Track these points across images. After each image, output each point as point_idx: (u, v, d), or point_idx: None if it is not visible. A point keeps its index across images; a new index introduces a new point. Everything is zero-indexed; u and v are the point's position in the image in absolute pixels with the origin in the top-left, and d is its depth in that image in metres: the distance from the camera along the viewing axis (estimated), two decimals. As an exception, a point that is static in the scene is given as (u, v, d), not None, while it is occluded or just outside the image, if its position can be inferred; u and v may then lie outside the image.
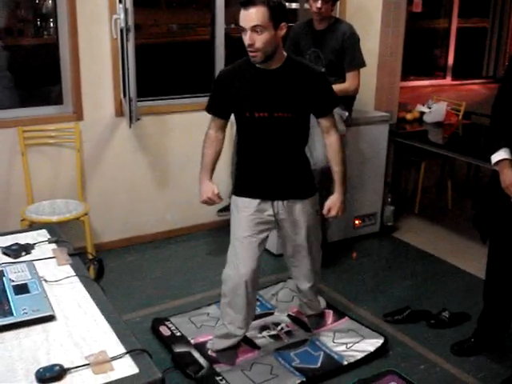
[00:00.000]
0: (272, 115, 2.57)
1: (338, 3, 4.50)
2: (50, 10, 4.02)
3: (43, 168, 3.86)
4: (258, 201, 2.71)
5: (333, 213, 2.75)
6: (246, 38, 2.42)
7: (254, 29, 2.38)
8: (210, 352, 2.95)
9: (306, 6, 3.81)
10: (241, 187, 2.80)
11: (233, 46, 4.53)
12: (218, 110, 2.74)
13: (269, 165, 2.69)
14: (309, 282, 3.00)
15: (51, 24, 4.10)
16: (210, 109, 2.77)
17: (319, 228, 3.04)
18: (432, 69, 6.22)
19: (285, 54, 2.58)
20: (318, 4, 3.67)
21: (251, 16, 2.37)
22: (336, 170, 2.74)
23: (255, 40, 2.40)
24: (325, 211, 2.77)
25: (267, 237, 2.80)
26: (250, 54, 2.47)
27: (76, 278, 1.97)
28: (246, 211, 2.73)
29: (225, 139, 2.85)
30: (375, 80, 4.57)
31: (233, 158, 4.08)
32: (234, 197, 2.83)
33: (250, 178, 2.76)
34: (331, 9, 3.77)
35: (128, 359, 1.51)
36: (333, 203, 2.75)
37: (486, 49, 6.44)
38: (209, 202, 2.80)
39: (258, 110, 2.58)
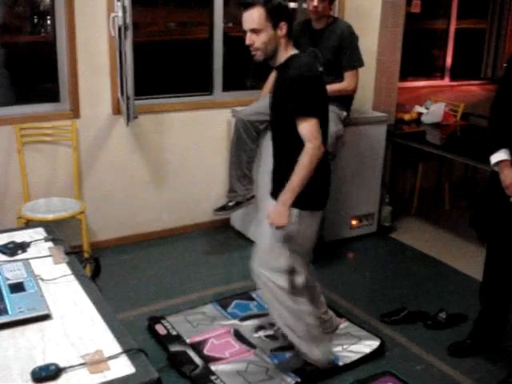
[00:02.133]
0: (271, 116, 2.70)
1: (337, 2, 4.51)
2: (48, 7, 4.00)
3: (40, 166, 3.84)
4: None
5: (270, 220, 2.59)
6: (246, 39, 2.52)
7: (252, 30, 2.49)
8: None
9: (305, 5, 3.81)
10: None
11: (231, 44, 4.52)
12: None
13: (274, 163, 2.78)
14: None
15: (49, 21, 4.08)
16: None
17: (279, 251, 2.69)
18: (430, 69, 6.22)
19: (292, 52, 2.58)
20: (315, 2, 3.67)
21: (249, 18, 2.48)
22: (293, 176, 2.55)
23: (254, 40, 2.50)
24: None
25: None
26: (252, 53, 2.55)
27: (72, 276, 1.96)
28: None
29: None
30: (373, 80, 4.57)
31: (230, 158, 4.08)
32: None
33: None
34: (329, 8, 3.77)
35: (124, 359, 1.50)
36: (268, 210, 2.61)
37: (485, 50, 6.45)
38: None
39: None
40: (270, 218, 2.58)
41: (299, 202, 2.56)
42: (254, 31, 2.48)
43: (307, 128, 2.48)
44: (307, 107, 2.50)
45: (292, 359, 2.92)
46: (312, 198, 2.66)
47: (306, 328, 2.76)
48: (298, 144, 2.52)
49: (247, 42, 2.52)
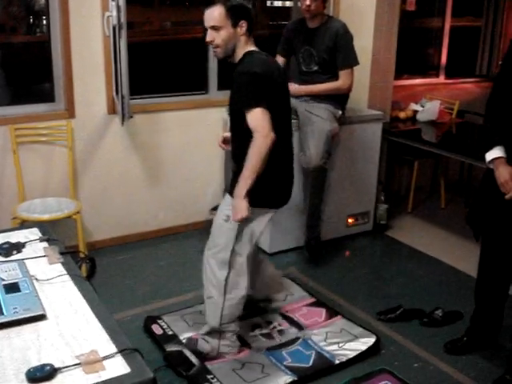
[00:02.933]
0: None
1: (331, 1, 4.51)
2: (43, 7, 3.99)
3: (35, 166, 3.83)
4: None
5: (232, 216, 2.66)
6: (207, 36, 2.64)
7: (212, 27, 2.61)
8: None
9: (300, 4, 3.80)
10: None
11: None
12: None
13: (231, 156, 2.86)
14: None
15: (43, 21, 4.07)
16: None
17: (224, 235, 2.77)
18: (425, 67, 6.23)
19: (247, 50, 2.67)
20: (307, 1, 3.67)
21: (210, 16, 2.61)
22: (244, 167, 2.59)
23: (214, 37, 2.62)
24: None
25: None
26: (212, 50, 2.70)
27: (67, 276, 1.96)
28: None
29: None
30: (368, 78, 4.57)
31: (226, 157, 4.08)
32: None
33: None
34: (323, 6, 3.76)
35: (119, 359, 1.50)
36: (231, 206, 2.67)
37: (480, 47, 6.46)
38: None
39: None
40: (232, 217, 2.65)
41: (251, 199, 2.59)
42: (214, 28, 2.60)
43: (252, 118, 2.54)
44: (251, 98, 2.55)
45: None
46: (262, 194, 2.67)
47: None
48: (247, 137, 2.56)
49: (207, 38, 2.64)
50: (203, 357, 2.88)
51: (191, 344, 2.95)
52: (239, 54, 2.67)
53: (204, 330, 2.93)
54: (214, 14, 2.59)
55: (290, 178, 2.84)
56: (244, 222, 2.68)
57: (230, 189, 2.76)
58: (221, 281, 2.77)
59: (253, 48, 2.69)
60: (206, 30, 2.64)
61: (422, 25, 6.14)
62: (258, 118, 2.53)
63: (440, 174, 5.38)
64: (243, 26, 2.61)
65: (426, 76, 6.12)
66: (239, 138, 2.71)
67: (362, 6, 4.53)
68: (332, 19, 3.90)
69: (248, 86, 2.56)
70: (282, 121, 2.70)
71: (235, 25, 2.60)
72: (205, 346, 2.90)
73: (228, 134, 2.93)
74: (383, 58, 4.56)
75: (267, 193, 2.71)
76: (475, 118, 5.28)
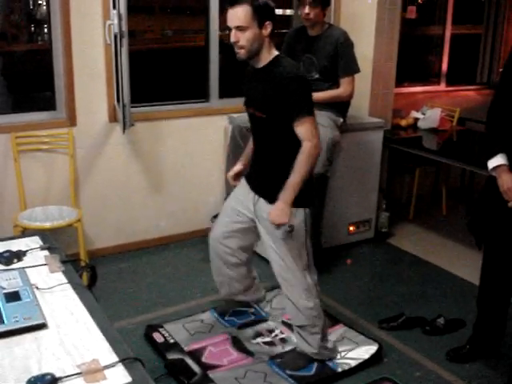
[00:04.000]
0: (254, 113, 2.70)
1: (332, 9, 4.52)
2: (44, 15, 4.00)
3: (36, 174, 3.83)
4: (247, 186, 2.85)
5: (269, 218, 2.64)
6: (231, 36, 2.54)
7: (237, 27, 2.51)
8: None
9: (299, 12, 3.81)
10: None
11: (227, 51, 4.53)
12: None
13: (255, 158, 2.84)
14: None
15: (45, 30, 4.08)
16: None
17: (299, 248, 2.75)
18: (426, 75, 6.23)
19: (275, 53, 2.63)
20: (306, 10, 3.68)
21: (235, 15, 2.50)
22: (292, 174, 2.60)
23: (239, 38, 2.52)
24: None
25: (243, 229, 2.93)
26: (236, 51, 2.58)
27: (68, 285, 1.95)
28: (239, 187, 2.92)
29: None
30: (369, 86, 4.57)
31: (227, 165, 4.07)
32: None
33: (250, 165, 2.93)
34: (323, 14, 3.77)
35: (121, 368, 1.50)
36: (274, 209, 2.63)
37: (480, 55, 6.46)
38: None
39: (247, 105, 2.76)
40: (270, 217, 2.62)
41: (302, 201, 2.66)
42: (240, 29, 2.50)
43: (307, 127, 2.54)
44: (307, 106, 2.56)
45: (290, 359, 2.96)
46: (309, 194, 2.73)
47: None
48: (284, 145, 2.62)
49: (232, 39, 2.54)
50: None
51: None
52: (265, 56, 2.59)
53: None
54: (239, 14, 2.48)
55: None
56: (301, 229, 2.70)
57: (263, 193, 2.74)
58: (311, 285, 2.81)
59: (277, 51, 2.63)
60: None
61: (423, 32, 6.16)
62: (311, 128, 2.55)
63: (441, 181, 5.38)
64: (268, 28, 2.53)
65: (427, 84, 6.12)
66: (272, 144, 2.69)
67: (362, 14, 4.54)
68: (333, 27, 3.91)
69: (303, 93, 2.55)
70: None
71: (261, 25, 2.51)
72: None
73: (240, 168, 2.94)
74: (384, 65, 4.57)
75: (308, 192, 2.73)
76: (476, 126, 5.27)
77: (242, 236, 2.96)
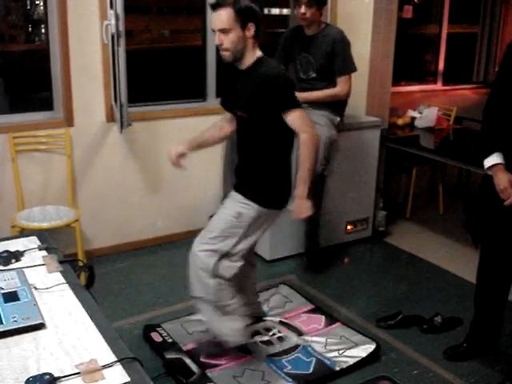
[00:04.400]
0: (236, 113, 2.75)
1: (329, 9, 4.52)
2: (42, 15, 4.00)
3: (34, 174, 3.83)
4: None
5: (292, 216, 2.71)
6: (216, 39, 2.59)
7: (221, 30, 2.55)
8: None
9: (296, 12, 3.82)
10: None
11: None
12: (223, 101, 2.92)
13: (240, 158, 2.84)
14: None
15: (42, 30, 4.08)
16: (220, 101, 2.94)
17: (224, 225, 2.74)
18: (423, 74, 6.24)
19: (259, 54, 2.65)
20: (302, 9, 3.69)
21: (218, 18, 2.55)
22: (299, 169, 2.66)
23: (223, 40, 2.57)
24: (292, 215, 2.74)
25: None
26: (221, 53, 2.63)
27: (66, 285, 1.95)
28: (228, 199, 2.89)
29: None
30: (366, 85, 4.58)
31: (224, 164, 4.08)
32: None
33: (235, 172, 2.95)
34: (319, 14, 3.78)
35: (119, 368, 1.50)
36: (294, 206, 2.71)
37: (477, 54, 6.48)
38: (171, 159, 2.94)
39: (230, 106, 2.80)
40: (293, 215, 2.70)
41: (261, 199, 2.68)
42: (223, 31, 2.54)
43: (299, 118, 2.58)
44: (293, 100, 2.60)
45: (209, 344, 2.98)
46: (273, 196, 2.74)
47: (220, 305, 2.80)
48: (269, 144, 2.66)
49: (216, 42, 2.60)
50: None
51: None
52: (248, 57, 2.62)
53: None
54: (222, 17, 2.53)
55: (291, 180, 2.84)
56: (254, 224, 2.71)
57: (241, 188, 2.75)
58: (209, 265, 2.73)
59: (261, 52, 2.66)
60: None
61: (419, 32, 6.17)
62: (303, 117, 2.59)
63: (438, 180, 5.39)
64: (251, 29, 2.57)
65: (424, 83, 6.14)
66: (260, 142, 2.71)
67: (359, 14, 4.55)
68: (329, 26, 3.91)
69: (287, 89, 2.59)
70: None
71: (244, 27, 2.55)
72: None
73: (183, 150, 2.93)
74: (381, 64, 4.57)
75: (279, 194, 2.76)
76: (473, 125, 5.28)
77: None
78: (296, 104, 2.60)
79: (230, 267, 2.76)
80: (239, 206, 2.70)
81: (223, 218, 2.74)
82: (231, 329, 2.85)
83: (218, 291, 2.75)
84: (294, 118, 2.57)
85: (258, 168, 2.74)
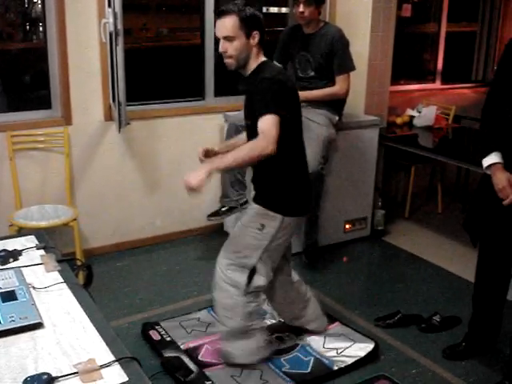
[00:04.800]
0: (245, 120, 2.73)
1: (328, 7, 4.52)
2: (39, 14, 3.99)
3: (32, 173, 3.83)
4: None
5: (185, 181, 2.47)
6: (220, 46, 2.57)
7: (225, 38, 2.54)
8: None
9: (294, 10, 3.82)
10: None
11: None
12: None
13: (254, 168, 2.78)
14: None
15: (40, 28, 4.07)
16: None
17: (244, 244, 2.72)
18: (421, 73, 6.24)
19: (261, 60, 2.62)
20: (300, 8, 3.69)
21: (223, 26, 2.53)
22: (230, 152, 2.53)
23: (227, 48, 2.55)
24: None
25: None
26: (225, 61, 2.60)
27: (64, 284, 1.95)
28: None
29: None
30: (365, 84, 4.58)
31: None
32: None
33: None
34: (317, 12, 3.77)
35: (117, 367, 1.49)
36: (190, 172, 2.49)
37: (475, 53, 6.47)
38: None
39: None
40: (185, 180, 2.48)
41: (282, 209, 2.63)
42: (227, 39, 2.53)
43: (265, 122, 2.40)
44: (271, 104, 2.43)
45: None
46: (294, 204, 2.70)
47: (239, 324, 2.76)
48: (277, 147, 2.50)
49: (220, 49, 2.57)
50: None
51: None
52: (251, 65, 2.60)
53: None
54: (226, 24, 2.51)
55: (309, 185, 2.81)
56: (278, 233, 2.67)
57: (260, 199, 2.72)
58: (241, 284, 2.70)
59: (264, 58, 2.64)
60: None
61: (418, 30, 6.16)
62: (270, 123, 2.39)
63: (437, 179, 5.39)
64: (256, 37, 2.55)
65: (423, 81, 6.13)
66: None
67: (358, 12, 4.54)
68: (328, 25, 3.91)
69: (270, 92, 2.46)
70: (298, 128, 2.69)
71: (248, 35, 2.53)
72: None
73: (209, 147, 2.82)
74: (379, 63, 4.57)
75: (299, 200, 2.72)
76: (471, 124, 5.29)
77: None
78: (273, 109, 2.41)
79: (259, 279, 2.73)
80: (262, 218, 2.66)
81: (246, 233, 2.70)
82: (242, 349, 2.83)
83: (244, 308, 2.73)
84: (263, 121, 2.41)
85: (273, 177, 2.66)
